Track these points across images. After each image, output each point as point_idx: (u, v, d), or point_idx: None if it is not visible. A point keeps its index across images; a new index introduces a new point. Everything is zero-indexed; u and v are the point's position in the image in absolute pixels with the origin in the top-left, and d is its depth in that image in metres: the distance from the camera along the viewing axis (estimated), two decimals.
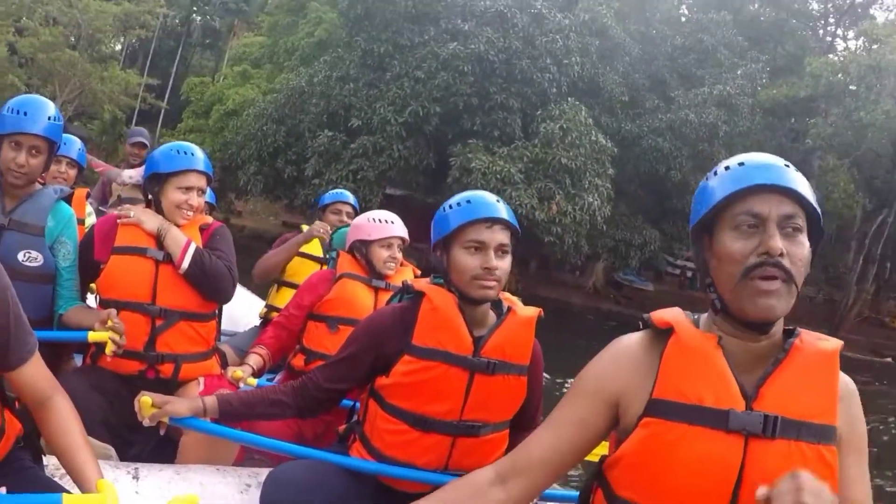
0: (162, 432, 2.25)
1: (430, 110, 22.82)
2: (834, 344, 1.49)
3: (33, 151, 2.76)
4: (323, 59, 26.58)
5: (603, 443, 1.61)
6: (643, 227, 25.69)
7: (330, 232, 4.20)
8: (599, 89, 24.55)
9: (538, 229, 20.84)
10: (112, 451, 2.53)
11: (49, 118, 2.79)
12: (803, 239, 1.41)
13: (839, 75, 29.30)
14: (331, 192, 4.89)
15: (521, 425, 2.28)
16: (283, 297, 4.21)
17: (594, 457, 1.66)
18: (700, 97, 24.80)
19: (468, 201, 2.15)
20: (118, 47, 51.47)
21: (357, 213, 4.54)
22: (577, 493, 1.85)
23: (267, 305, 4.53)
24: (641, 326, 1.59)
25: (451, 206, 2.17)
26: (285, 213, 33.91)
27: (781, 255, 1.36)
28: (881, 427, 14.58)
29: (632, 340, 1.57)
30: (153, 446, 2.76)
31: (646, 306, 19.62)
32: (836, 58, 32.67)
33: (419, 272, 3.64)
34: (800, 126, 31.39)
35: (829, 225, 39.62)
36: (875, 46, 29.08)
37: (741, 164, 1.45)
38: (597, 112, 23.66)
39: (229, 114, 32.35)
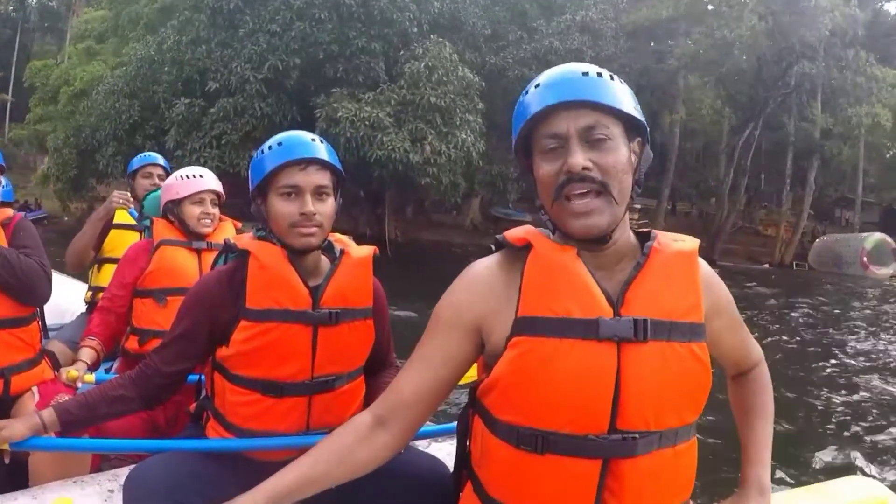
0: (7, 460, 2.01)
1: (289, 63, 22.09)
2: (691, 243, 1.52)
3: None
4: (170, 24, 25.37)
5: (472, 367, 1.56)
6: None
7: (130, 199, 4.02)
8: (461, 24, 24.34)
9: (414, 172, 20.55)
10: None
11: None
12: (613, 145, 1.38)
13: None
14: (139, 155, 4.62)
15: (375, 368, 2.23)
16: (107, 275, 3.97)
17: (465, 379, 1.62)
18: (563, 24, 24.84)
19: (279, 143, 1.98)
20: None
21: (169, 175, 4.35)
22: (454, 424, 1.89)
23: (91, 287, 4.24)
24: (494, 249, 1.55)
25: (263, 151, 2.01)
26: None
27: (587, 168, 1.35)
28: (764, 324, 14.99)
29: (484, 265, 1.53)
30: (2, 475, 2.44)
31: None
32: None
33: (240, 225, 3.49)
34: (663, 48, 32.00)
35: (697, 141, 41.22)
36: None
37: (537, 85, 1.42)
38: (460, 48, 23.47)
39: (78, 95, 30.75)
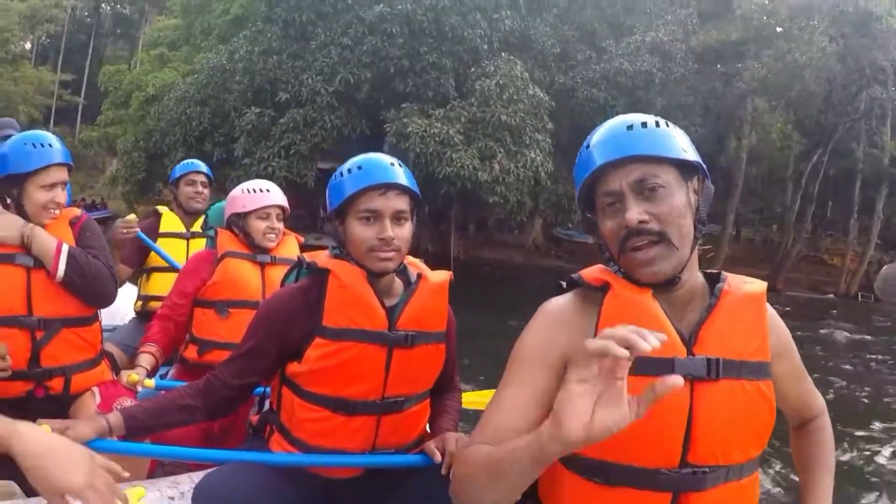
0: None
1: (360, 77, 22.24)
2: (759, 285, 1.55)
3: None
4: (242, 35, 25.75)
5: None
6: None
7: (134, 227, 3.98)
8: (531, 42, 24.21)
9: (482, 190, 20.46)
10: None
11: None
12: (667, 192, 1.41)
13: (767, 17, 29.40)
14: (181, 163, 4.56)
15: (440, 389, 2.24)
16: (156, 284, 4.09)
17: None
18: (632, 45, 24.59)
19: (359, 167, 1.99)
20: (28, 46, 49.81)
21: (212, 183, 4.45)
22: None
23: (140, 297, 4.24)
24: (566, 286, 1.59)
25: (342, 174, 2.01)
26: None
27: (643, 221, 1.39)
28: (827, 356, 14.50)
29: (560, 303, 1.56)
30: None
31: (587, 259, 19.20)
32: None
33: (302, 240, 3.48)
34: (731, 70, 31.46)
35: (762, 166, 40.38)
36: None
37: (588, 146, 1.47)
38: (529, 66, 23.29)
39: (150, 100, 31.36)
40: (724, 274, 1.56)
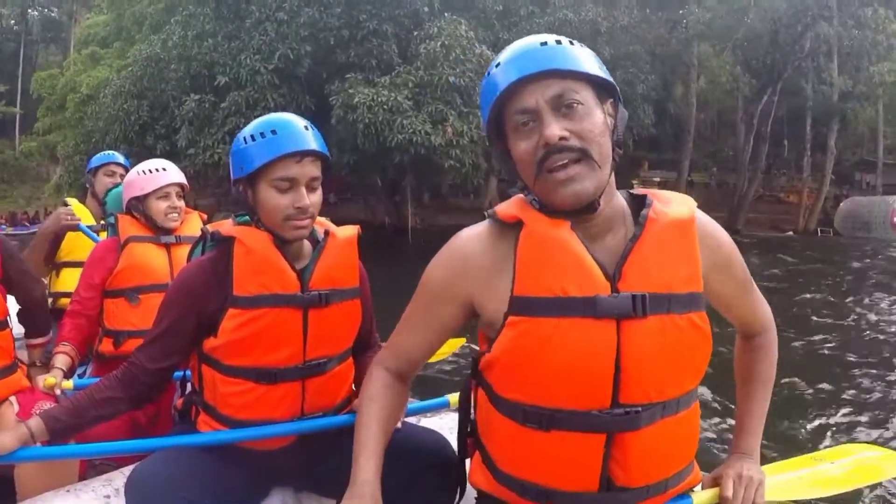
0: None
1: (299, 51, 21.67)
2: (688, 209, 1.47)
3: None
4: (174, 20, 25.00)
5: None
6: None
7: (76, 216, 3.94)
8: (472, 2, 23.81)
9: (436, 155, 20.11)
10: None
11: None
12: (586, 109, 1.35)
13: None
14: (99, 154, 4.58)
15: (361, 347, 2.24)
16: (66, 280, 4.02)
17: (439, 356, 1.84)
18: None
19: (273, 131, 1.91)
20: None
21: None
22: (442, 399, 2.27)
23: (51, 294, 4.10)
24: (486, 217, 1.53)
25: (253, 137, 1.92)
26: None
27: (564, 138, 1.33)
28: (792, 293, 14.39)
29: (474, 234, 1.52)
30: None
31: None
32: None
33: (206, 216, 3.44)
34: (675, 16, 31.39)
35: (711, 111, 40.57)
36: None
37: (498, 64, 1.41)
38: (473, 26, 22.92)
39: (85, 101, 30.50)
40: (650, 196, 1.48)
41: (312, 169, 1.94)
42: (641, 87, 27.47)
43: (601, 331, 1.35)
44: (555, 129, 1.33)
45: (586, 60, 1.37)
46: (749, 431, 1.66)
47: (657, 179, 33.32)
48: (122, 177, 4.18)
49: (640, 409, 1.36)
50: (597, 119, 1.36)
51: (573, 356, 1.35)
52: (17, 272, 2.64)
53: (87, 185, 4.40)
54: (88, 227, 4.07)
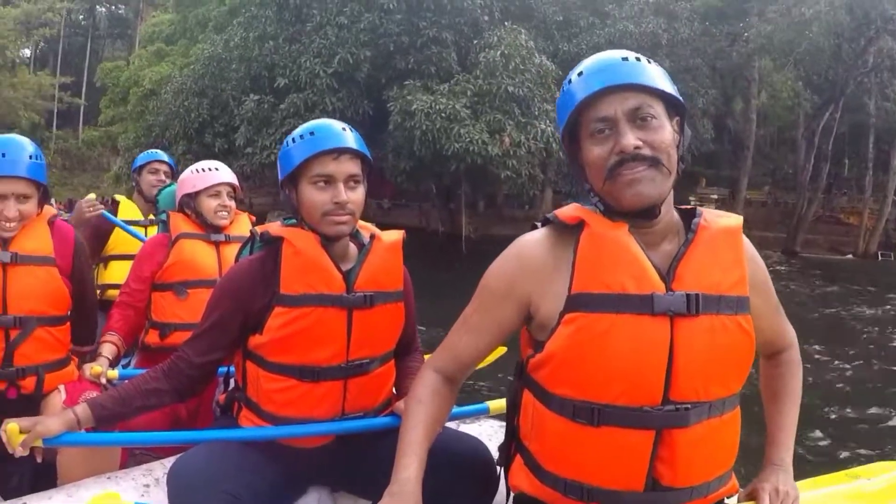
0: (39, 459, 2.07)
1: (359, 56, 21.76)
2: (736, 219, 1.58)
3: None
4: (237, 22, 25.36)
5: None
6: None
7: (98, 205, 4.10)
8: (532, 11, 23.79)
9: (493, 165, 19.99)
10: None
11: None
12: (659, 123, 1.45)
13: None
14: (144, 152, 4.76)
15: (402, 351, 2.29)
16: (113, 273, 4.16)
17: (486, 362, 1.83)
18: (636, 7, 24.06)
19: (311, 133, 2.02)
20: (26, 52, 49.80)
21: (174, 172, 4.52)
22: (483, 405, 2.40)
23: (99, 286, 4.14)
24: (540, 225, 1.62)
25: (294, 140, 2.04)
26: None
27: (638, 147, 1.42)
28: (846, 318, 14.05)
29: (534, 239, 1.60)
30: (30, 475, 2.55)
31: None
32: None
33: (254, 218, 3.56)
34: (736, 29, 30.83)
35: (770, 127, 39.75)
36: None
37: (580, 73, 1.49)
38: (532, 35, 22.77)
39: (147, 95, 31.03)
40: (700, 209, 1.58)
41: (350, 166, 2.01)
42: (701, 102, 27.07)
43: (656, 327, 1.42)
44: (630, 138, 1.42)
45: (661, 78, 1.47)
46: (782, 444, 1.70)
47: (714, 196, 32.59)
48: (167, 174, 4.47)
49: (689, 406, 1.42)
50: (668, 133, 1.46)
51: (629, 351, 1.41)
52: (82, 276, 2.73)
53: (133, 183, 4.56)
54: (135, 222, 4.28)
